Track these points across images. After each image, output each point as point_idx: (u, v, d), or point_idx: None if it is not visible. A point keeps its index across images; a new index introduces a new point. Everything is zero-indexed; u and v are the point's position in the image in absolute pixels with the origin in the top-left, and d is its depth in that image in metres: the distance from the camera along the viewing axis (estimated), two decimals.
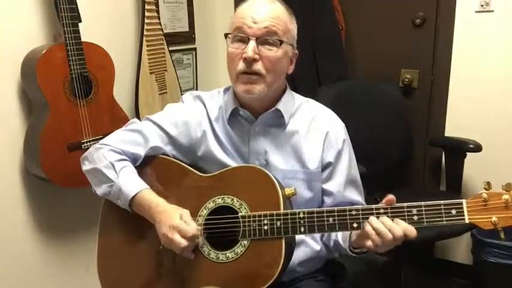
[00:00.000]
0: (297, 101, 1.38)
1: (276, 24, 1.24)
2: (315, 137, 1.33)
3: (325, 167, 1.33)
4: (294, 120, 1.34)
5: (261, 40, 1.24)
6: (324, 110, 1.39)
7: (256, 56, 1.23)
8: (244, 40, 1.24)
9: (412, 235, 1.07)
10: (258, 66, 1.24)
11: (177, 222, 1.15)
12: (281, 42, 1.25)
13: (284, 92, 1.35)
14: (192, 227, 1.15)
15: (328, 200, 1.34)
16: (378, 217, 1.10)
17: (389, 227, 1.08)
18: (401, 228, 1.08)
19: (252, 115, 1.33)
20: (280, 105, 1.32)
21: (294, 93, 1.40)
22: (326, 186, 1.33)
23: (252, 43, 1.23)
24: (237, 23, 1.25)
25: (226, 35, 1.28)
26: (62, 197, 2.00)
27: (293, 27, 1.31)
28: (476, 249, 2.28)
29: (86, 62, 1.83)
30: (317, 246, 1.34)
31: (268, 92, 1.28)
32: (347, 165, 1.34)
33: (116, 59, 1.99)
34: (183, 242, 1.14)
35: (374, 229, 1.09)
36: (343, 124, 1.38)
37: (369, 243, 1.11)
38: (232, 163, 1.32)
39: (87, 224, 2.08)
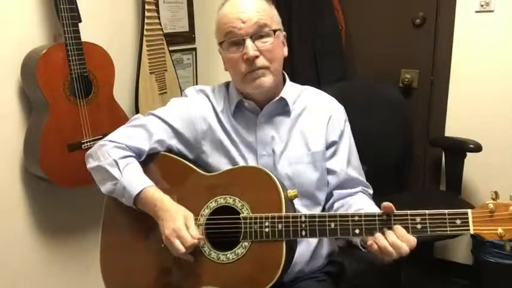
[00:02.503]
0: (297, 88, 1.42)
1: (262, 16, 1.27)
2: (318, 119, 1.36)
3: (329, 145, 1.36)
4: (296, 106, 1.37)
5: (255, 36, 1.26)
6: (324, 95, 1.44)
7: (257, 53, 1.25)
8: (240, 42, 1.26)
9: (411, 245, 1.07)
10: (262, 61, 1.27)
11: (179, 227, 1.15)
12: (274, 31, 1.28)
13: (284, 81, 1.39)
14: (193, 235, 1.14)
15: (332, 179, 1.35)
16: (383, 232, 1.09)
17: (394, 244, 1.07)
18: (403, 240, 1.06)
19: (257, 106, 1.35)
20: (284, 94, 1.35)
21: (292, 82, 1.43)
22: (329, 164, 1.36)
23: (249, 42, 1.25)
24: (226, 28, 1.27)
25: (220, 44, 1.30)
26: (62, 197, 2.00)
27: (275, 11, 1.34)
28: (476, 249, 2.28)
29: (86, 62, 1.82)
30: (315, 239, 1.34)
31: (275, 80, 1.31)
32: (348, 145, 1.38)
33: (116, 59, 1.98)
34: (182, 249, 1.14)
35: (379, 247, 1.08)
36: (342, 107, 1.42)
37: (375, 247, 1.10)
38: (237, 155, 1.33)
39: (87, 223, 2.08)
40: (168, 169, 1.33)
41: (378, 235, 1.09)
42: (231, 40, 1.28)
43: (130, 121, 1.39)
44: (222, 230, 1.20)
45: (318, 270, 1.36)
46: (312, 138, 1.34)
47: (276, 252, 1.14)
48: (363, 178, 1.41)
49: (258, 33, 1.26)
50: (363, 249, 1.22)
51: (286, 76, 1.41)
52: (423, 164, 2.61)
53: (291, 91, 1.38)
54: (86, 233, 2.09)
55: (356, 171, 1.39)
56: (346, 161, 1.36)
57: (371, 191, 1.41)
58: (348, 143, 1.38)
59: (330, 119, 1.36)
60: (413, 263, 2.47)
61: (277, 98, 1.34)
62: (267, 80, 1.28)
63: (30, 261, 1.95)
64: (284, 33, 1.37)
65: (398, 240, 1.07)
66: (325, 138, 1.35)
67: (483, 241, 2.20)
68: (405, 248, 1.06)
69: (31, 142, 1.81)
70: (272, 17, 1.31)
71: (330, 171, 1.36)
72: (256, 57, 1.25)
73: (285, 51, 1.37)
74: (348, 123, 1.41)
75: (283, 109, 1.36)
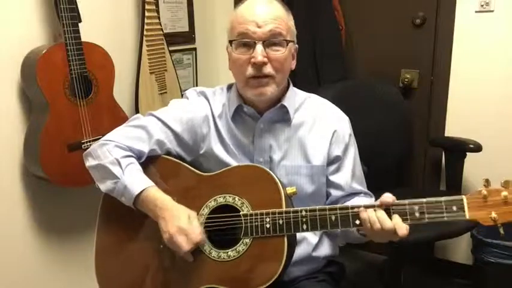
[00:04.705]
0: (301, 96, 1.39)
1: (279, 24, 1.25)
2: (321, 133, 1.34)
3: (332, 160, 1.34)
4: (298, 115, 1.35)
5: (267, 42, 1.24)
6: (328, 106, 1.41)
7: (265, 60, 1.24)
8: (250, 45, 1.25)
9: (400, 232, 1.08)
10: (268, 69, 1.25)
11: (186, 226, 1.15)
12: (287, 42, 1.26)
13: (287, 88, 1.36)
14: (200, 232, 1.16)
15: (336, 193, 1.35)
16: (375, 210, 1.12)
17: (380, 218, 1.10)
18: (393, 222, 1.09)
19: (256, 112, 1.33)
20: (285, 101, 1.33)
21: (296, 89, 1.40)
22: (334, 178, 1.35)
23: (260, 47, 1.23)
24: (240, 28, 1.25)
25: (231, 42, 1.28)
26: (62, 197, 2.00)
27: (292, 22, 1.32)
28: (476, 249, 2.28)
29: (86, 62, 1.83)
30: (315, 240, 1.34)
31: (277, 91, 1.29)
32: (353, 158, 1.37)
33: (116, 59, 1.99)
34: (187, 247, 1.14)
35: (368, 217, 1.11)
36: (348, 118, 1.40)
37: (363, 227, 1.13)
38: (232, 161, 1.32)
39: (87, 224, 2.08)
40: (166, 171, 1.33)
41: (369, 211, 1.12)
42: (242, 41, 1.26)
43: (130, 121, 1.38)
44: (222, 228, 1.20)
45: (317, 271, 1.37)
46: (313, 151, 1.32)
47: (277, 248, 1.14)
48: (365, 188, 1.40)
49: (271, 41, 1.24)
50: (358, 235, 1.25)
51: (290, 82, 1.38)
52: (423, 164, 2.61)
53: (294, 99, 1.36)
54: (85, 233, 2.09)
55: (359, 183, 1.39)
56: (351, 175, 1.36)
57: (373, 199, 1.40)
58: (352, 157, 1.37)
59: (333, 134, 1.34)
60: (413, 263, 2.47)
61: (278, 105, 1.32)
62: (270, 89, 1.27)
63: (30, 261, 1.95)
64: (296, 46, 1.34)
65: (387, 219, 1.10)
66: (328, 153, 1.33)
67: (483, 241, 2.21)
68: (389, 223, 1.09)
69: (31, 142, 1.81)
70: (288, 28, 1.28)
71: (334, 185, 1.35)
72: (264, 63, 1.24)
73: (293, 64, 1.34)
74: (353, 137, 1.38)
75: (284, 116, 1.34)
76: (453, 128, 2.46)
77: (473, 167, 2.34)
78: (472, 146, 2.25)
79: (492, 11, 2.27)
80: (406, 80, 2.56)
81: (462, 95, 2.42)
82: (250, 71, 1.25)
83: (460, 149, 2.31)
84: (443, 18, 2.40)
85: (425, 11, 2.47)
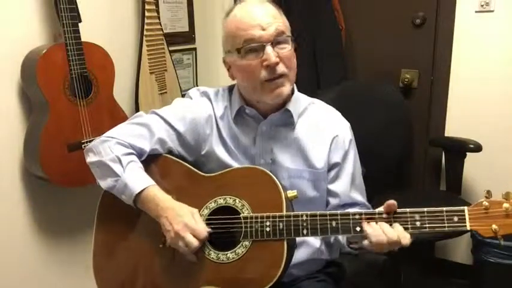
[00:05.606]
0: (305, 101, 1.39)
1: (279, 22, 1.26)
2: (322, 138, 1.34)
3: (331, 167, 1.34)
4: (301, 121, 1.35)
5: (275, 42, 1.24)
6: (331, 111, 1.40)
7: (278, 59, 1.23)
8: (258, 49, 1.24)
9: (404, 242, 1.08)
10: (282, 68, 1.24)
11: (191, 222, 1.15)
12: (290, 38, 1.27)
13: (293, 92, 1.35)
14: (204, 228, 1.15)
15: (334, 201, 1.34)
16: (377, 222, 1.11)
17: (385, 231, 1.09)
18: (396, 233, 1.09)
19: (259, 114, 1.33)
20: (290, 106, 1.32)
21: (300, 93, 1.40)
22: (332, 186, 1.34)
23: (270, 48, 1.22)
24: (245, 35, 1.24)
25: (239, 50, 1.25)
26: (62, 197, 2.00)
27: (285, 18, 1.32)
28: (476, 249, 2.28)
29: (86, 62, 1.82)
30: (317, 244, 1.34)
31: (291, 89, 1.29)
32: (352, 166, 1.36)
33: (116, 59, 1.98)
34: (195, 243, 1.14)
35: (373, 230, 1.10)
36: (349, 124, 1.39)
37: (366, 242, 1.12)
38: (233, 163, 1.32)
39: (87, 224, 2.06)
40: (167, 170, 1.32)
41: (373, 224, 1.11)
42: (250, 46, 1.24)
43: (133, 118, 1.38)
44: (222, 230, 1.20)
45: (317, 271, 1.37)
46: (314, 156, 1.32)
47: (276, 251, 1.14)
48: (364, 199, 1.39)
49: (277, 39, 1.24)
50: (348, 248, 1.25)
51: (295, 87, 1.37)
52: (423, 164, 2.61)
53: (298, 103, 1.35)
54: (85, 233, 2.09)
55: (358, 193, 1.38)
56: (350, 184, 1.35)
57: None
58: (352, 165, 1.36)
59: (333, 139, 1.33)
60: (413, 262, 2.47)
61: (283, 109, 1.31)
62: (286, 89, 1.26)
63: (29, 261, 1.95)
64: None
65: (391, 230, 1.09)
66: (328, 159, 1.33)
67: (483, 241, 2.21)
68: (394, 235, 1.08)
69: (31, 142, 1.81)
70: (286, 25, 1.29)
71: (332, 193, 1.34)
72: (277, 63, 1.23)
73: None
74: (353, 143, 1.38)
75: (287, 121, 1.33)
76: (453, 128, 2.46)
77: (473, 167, 2.34)
78: (472, 146, 2.25)
79: (492, 11, 2.28)
80: (406, 80, 2.56)
81: (462, 95, 2.42)
82: (264, 74, 1.24)
83: (460, 149, 2.31)
84: (443, 18, 2.40)
85: (425, 11, 2.48)
